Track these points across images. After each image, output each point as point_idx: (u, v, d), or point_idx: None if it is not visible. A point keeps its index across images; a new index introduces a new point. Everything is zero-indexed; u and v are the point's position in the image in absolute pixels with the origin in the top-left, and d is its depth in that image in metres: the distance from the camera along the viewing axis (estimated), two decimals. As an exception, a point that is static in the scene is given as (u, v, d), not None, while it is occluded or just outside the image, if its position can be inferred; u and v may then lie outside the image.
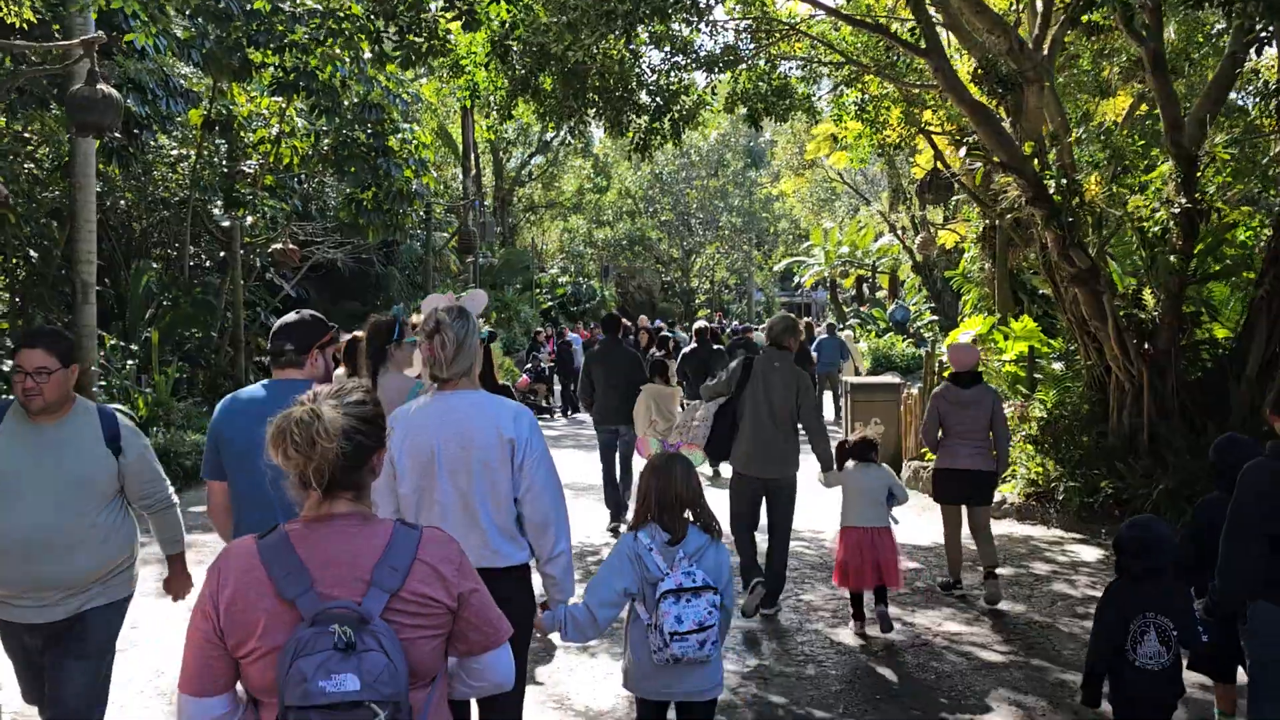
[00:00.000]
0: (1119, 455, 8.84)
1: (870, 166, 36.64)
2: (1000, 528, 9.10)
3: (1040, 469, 9.26)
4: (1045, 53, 9.42)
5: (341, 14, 14.65)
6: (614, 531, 8.86)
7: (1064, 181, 8.08)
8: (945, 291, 32.97)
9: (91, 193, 11.33)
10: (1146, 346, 8.82)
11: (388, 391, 4.52)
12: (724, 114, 11.53)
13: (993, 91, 9.30)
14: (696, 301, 48.45)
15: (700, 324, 13.37)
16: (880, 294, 38.02)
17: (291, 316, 3.69)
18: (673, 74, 10.80)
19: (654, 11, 8.57)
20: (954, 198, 19.20)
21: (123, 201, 16.34)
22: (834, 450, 6.37)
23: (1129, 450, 8.83)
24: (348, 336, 6.13)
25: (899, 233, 32.97)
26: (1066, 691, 5.22)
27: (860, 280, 36.58)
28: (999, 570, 6.87)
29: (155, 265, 14.66)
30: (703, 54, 10.82)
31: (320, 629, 1.83)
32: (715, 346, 13.10)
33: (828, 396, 17.73)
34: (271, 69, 14.67)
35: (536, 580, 3.44)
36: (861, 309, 33.44)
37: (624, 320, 11.88)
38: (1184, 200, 8.35)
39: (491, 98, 10.84)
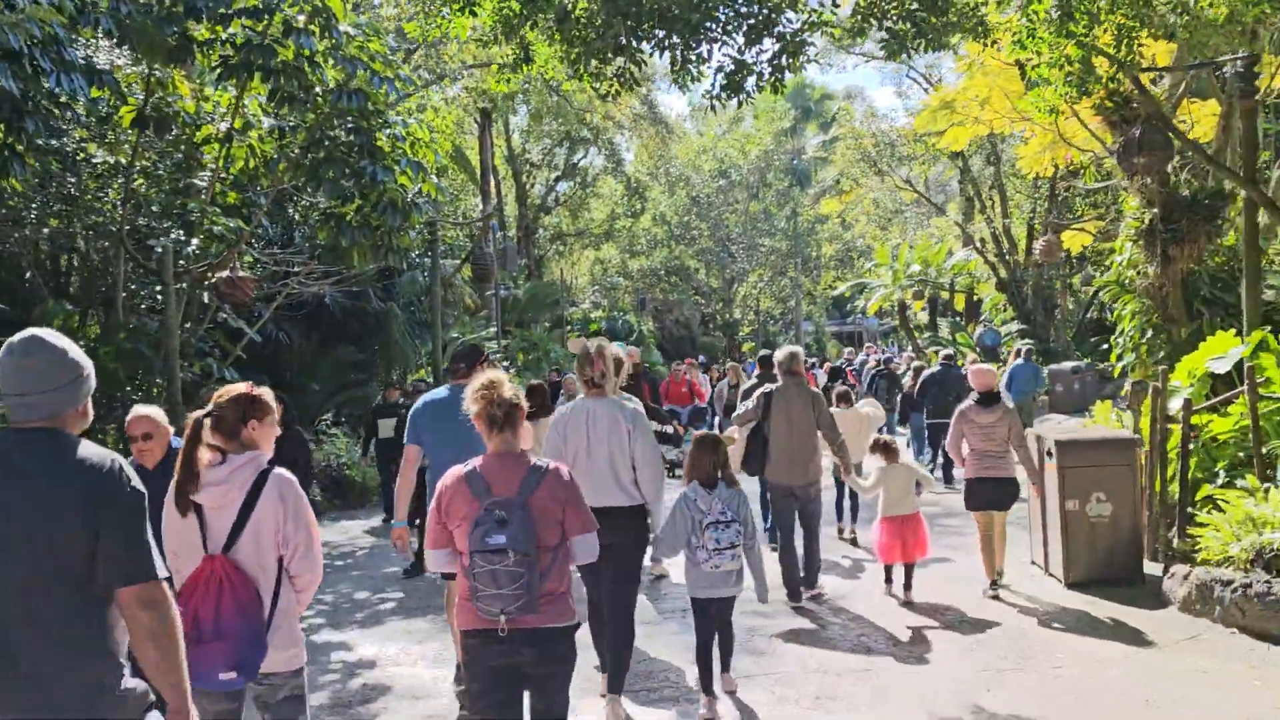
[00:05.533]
0: None
1: (956, 161, 32.80)
2: None
3: None
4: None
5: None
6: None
7: None
8: (1036, 311, 29.03)
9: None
10: None
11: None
12: (855, 38, 7.73)
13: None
14: (740, 335, 44.50)
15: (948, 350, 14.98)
16: (946, 318, 34.09)
17: (464, 346, 6.16)
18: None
19: None
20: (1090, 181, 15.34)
21: (45, 229, 12.87)
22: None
23: None
24: (534, 382, 9.36)
25: (978, 245, 29.22)
26: None
27: (932, 303, 32.59)
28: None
29: (69, 307, 11.00)
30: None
31: (489, 512, 3.44)
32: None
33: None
34: (218, 44, 11.22)
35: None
36: (940, 336, 29.45)
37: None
38: None
39: (497, 29, 7.21)
